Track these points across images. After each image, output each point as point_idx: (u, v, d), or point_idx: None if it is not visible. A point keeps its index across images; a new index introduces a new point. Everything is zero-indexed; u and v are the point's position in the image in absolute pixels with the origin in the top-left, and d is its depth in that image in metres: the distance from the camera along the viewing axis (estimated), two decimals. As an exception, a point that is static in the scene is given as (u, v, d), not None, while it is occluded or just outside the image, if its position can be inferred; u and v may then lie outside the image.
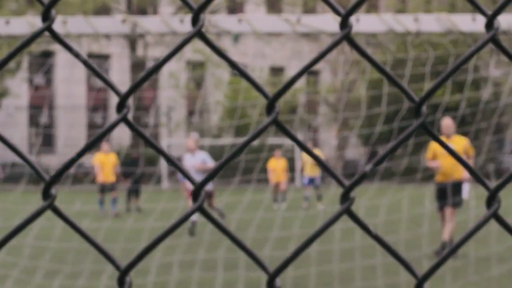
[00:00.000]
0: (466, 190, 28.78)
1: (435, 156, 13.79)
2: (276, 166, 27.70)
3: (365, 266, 12.00)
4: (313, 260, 12.18)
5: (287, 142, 38.10)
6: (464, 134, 16.73)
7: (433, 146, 13.91)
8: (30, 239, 13.53)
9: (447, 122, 13.56)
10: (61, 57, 54.22)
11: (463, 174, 13.78)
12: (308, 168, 27.28)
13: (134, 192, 26.03)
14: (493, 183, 1.41)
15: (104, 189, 24.07)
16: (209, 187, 17.31)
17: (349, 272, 11.59)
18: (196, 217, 17.09)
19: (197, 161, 17.22)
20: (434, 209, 14.12)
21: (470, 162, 13.71)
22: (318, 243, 11.98)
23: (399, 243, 13.61)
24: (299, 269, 11.37)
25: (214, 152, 42.14)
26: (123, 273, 1.33)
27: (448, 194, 13.59)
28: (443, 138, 13.83)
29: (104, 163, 24.26)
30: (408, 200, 16.79)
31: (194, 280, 11.11)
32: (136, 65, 49.88)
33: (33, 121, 56.14)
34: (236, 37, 8.92)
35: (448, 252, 1.41)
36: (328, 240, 13.81)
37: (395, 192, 16.62)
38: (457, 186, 13.68)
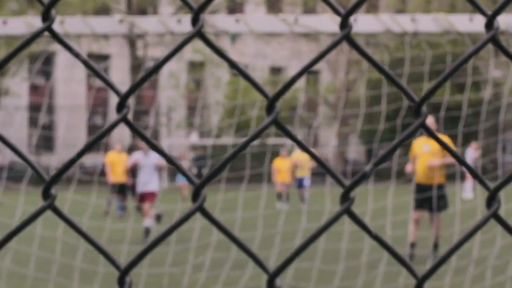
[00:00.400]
0: (470, 188, 28.73)
1: (414, 157, 13.70)
2: (282, 166, 27.19)
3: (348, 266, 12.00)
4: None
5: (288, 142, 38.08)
6: (466, 135, 16.62)
7: (414, 146, 13.81)
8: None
9: (428, 121, 13.38)
10: (61, 57, 54.22)
11: (443, 178, 13.64)
12: (298, 169, 27.01)
13: (131, 192, 25.91)
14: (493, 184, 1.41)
15: (115, 189, 23.87)
16: (154, 187, 17.13)
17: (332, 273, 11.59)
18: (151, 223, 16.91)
19: (153, 160, 17.23)
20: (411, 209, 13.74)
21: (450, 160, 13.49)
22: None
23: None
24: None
25: (215, 151, 42.18)
26: (123, 273, 1.33)
27: (429, 198, 13.36)
28: (424, 138, 13.58)
29: (116, 163, 24.11)
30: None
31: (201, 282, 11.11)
32: (136, 65, 49.88)
33: (33, 121, 56.15)
34: (234, 37, 8.92)
35: (448, 252, 1.41)
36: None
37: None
38: (439, 190, 13.47)
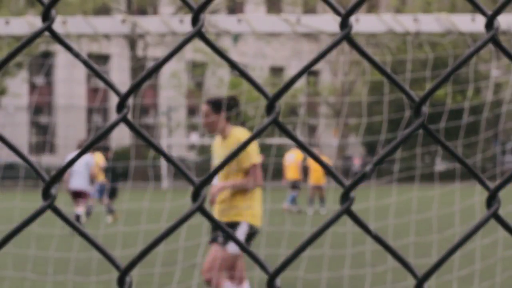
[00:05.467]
0: None
1: None
2: (316, 166, 24.59)
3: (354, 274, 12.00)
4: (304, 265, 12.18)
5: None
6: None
7: None
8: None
9: None
10: (61, 58, 54.25)
11: None
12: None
13: (112, 192, 25.66)
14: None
15: (293, 185, 25.27)
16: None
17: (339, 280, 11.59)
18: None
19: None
20: None
21: None
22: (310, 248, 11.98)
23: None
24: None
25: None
26: (123, 273, 1.33)
27: None
28: None
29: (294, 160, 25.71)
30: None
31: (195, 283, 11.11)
32: (136, 65, 49.89)
33: (33, 121, 56.15)
34: (236, 38, 8.91)
35: (448, 252, 1.41)
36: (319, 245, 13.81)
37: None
38: None
